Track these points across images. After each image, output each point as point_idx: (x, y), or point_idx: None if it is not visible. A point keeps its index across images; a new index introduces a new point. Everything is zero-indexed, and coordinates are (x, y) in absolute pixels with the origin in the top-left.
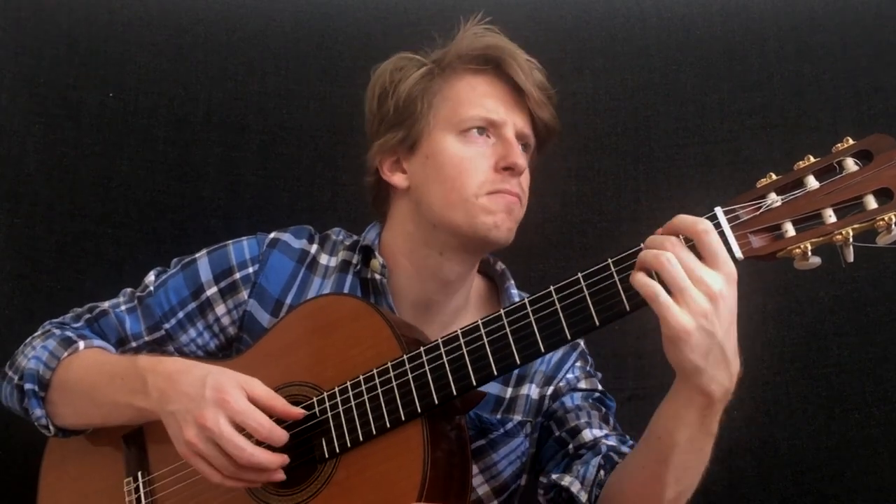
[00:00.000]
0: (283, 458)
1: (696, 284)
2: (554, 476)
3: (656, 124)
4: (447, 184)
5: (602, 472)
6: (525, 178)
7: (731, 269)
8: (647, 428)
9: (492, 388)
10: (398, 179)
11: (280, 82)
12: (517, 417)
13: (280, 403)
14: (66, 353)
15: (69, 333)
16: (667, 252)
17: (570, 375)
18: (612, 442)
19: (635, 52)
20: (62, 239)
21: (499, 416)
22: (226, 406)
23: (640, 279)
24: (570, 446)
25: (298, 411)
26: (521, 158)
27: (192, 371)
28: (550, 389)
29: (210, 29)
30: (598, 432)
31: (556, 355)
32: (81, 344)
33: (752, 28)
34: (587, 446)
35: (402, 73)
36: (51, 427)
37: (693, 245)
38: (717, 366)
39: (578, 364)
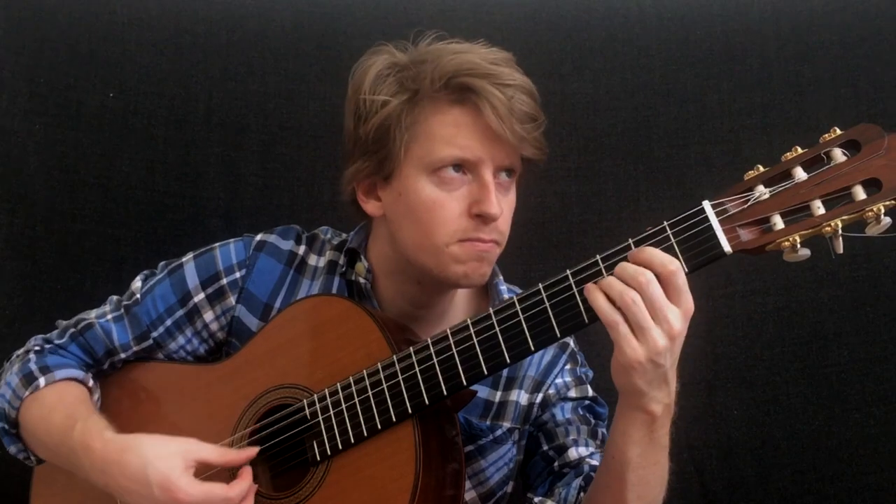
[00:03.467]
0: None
1: (660, 324)
2: (537, 500)
3: (656, 124)
4: (418, 227)
5: (582, 494)
6: (505, 215)
7: (691, 305)
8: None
9: (481, 391)
10: (373, 208)
11: (280, 82)
12: (506, 424)
13: (232, 456)
14: (26, 393)
15: (31, 367)
16: (632, 292)
17: (559, 381)
18: (595, 461)
19: (635, 52)
20: (62, 239)
21: (488, 423)
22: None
23: (602, 305)
24: (556, 464)
25: (250, 451)
26: (495, 207)
27: (127, 461)
28: (539, 397)
29: (210, 29)
30: (583, 451)
31: (546, 357)
32: (41, 381)
33: (752, 28)
34: (571, 465)
35: (379, 96)
36: (32, 458)
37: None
38: (658, 388)
39: (568, 367)
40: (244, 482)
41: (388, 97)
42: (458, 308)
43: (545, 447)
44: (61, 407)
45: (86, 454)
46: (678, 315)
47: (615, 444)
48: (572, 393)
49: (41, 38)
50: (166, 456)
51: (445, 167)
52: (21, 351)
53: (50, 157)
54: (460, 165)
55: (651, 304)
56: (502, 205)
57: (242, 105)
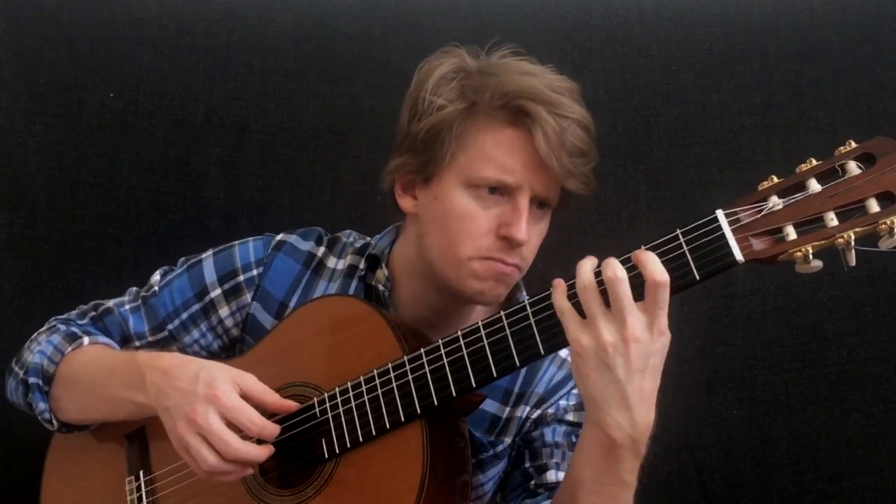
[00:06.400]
0: (269, 450)
1: (613, 318)
2: None
3: (656, 124)
4: (445, 236)
5: None
6: (532, 243)
7: (665, 330)
8: None
9: (489, 405)
10: (407, 204)
11: (280, 82)
12: (508, 440)
13: (272, 398)
14: (70, 348)
15: (74, 329)
16: (587, 280)
17: (562, 402)
18: None
19: (635, 52)
20: (62, 239)
21: (491, 438)
22: (216, 402)
23: (559, 290)
24: (532, 483)
25: (291, 404)
26: (523, 233)
27: (187, 366)
28: (537, 413)
29: (210, 29)
30: (562, 476)
31: (556, 377)
32: (86, 340)
33: (752, 28)
34: (547, 487)
35: (439, 99)
36: (54, 422)
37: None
38: (615, 405)
39: (575, 391)
40: (273, 426)
41: (446, 102)
42: (476, 320)
43: (527, 464)
44: (113, 352)
45: (151, 364)
46: (641, 322)
47: (574, 459)
48: (569, 417)
49: (41, 38)
50: (218, 368)
51: (484, 185)
52: (44, 329)
53: (50, 157)
54: (498, 187)
55: (614, 300)
56: (531, 232)
57: (242, 105)
